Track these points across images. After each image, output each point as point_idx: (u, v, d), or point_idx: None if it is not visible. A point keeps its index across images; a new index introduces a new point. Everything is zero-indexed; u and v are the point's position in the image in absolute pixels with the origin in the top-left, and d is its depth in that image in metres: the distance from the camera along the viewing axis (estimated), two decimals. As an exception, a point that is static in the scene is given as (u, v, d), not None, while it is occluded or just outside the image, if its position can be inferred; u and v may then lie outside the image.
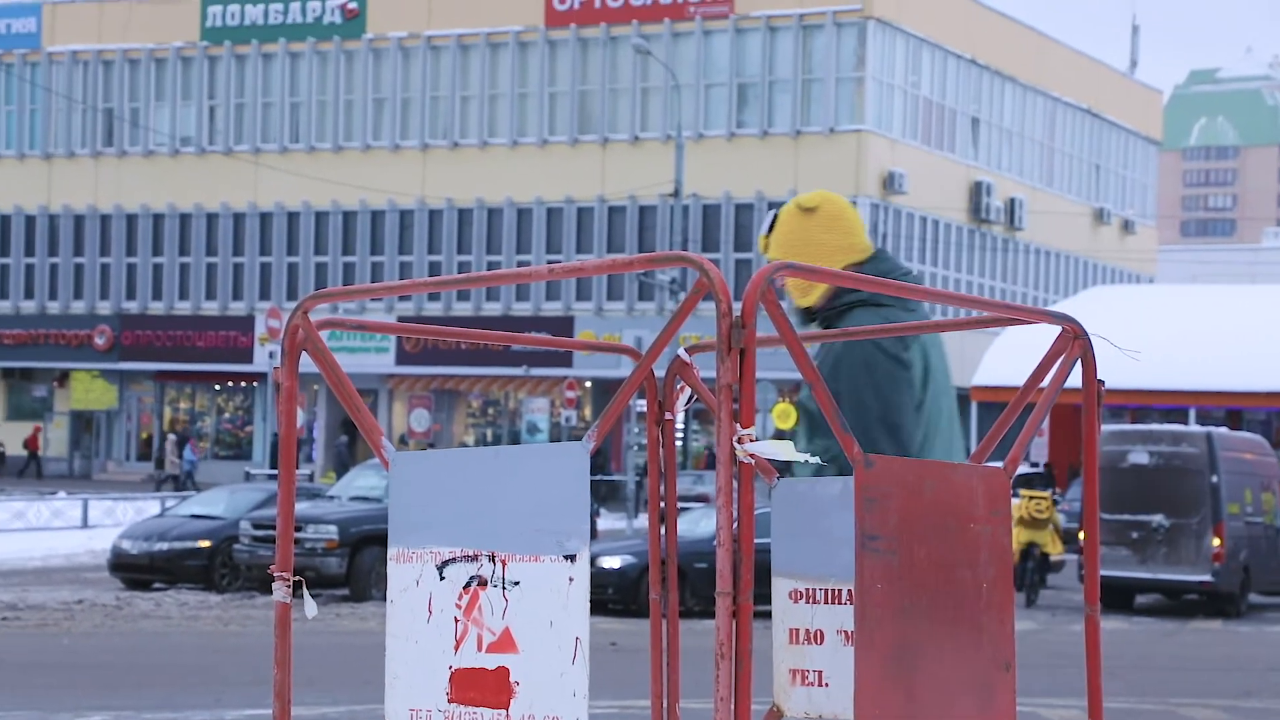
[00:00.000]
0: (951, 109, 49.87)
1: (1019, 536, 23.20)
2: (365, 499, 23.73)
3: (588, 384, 47.50)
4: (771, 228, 5.13)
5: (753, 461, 3.40)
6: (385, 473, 24.77)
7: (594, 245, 47.42)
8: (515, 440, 47.97)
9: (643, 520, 36.56)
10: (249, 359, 50.87)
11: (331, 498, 24.13)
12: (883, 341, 4.89)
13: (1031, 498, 24.53)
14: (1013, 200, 51.92)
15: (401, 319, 47.89)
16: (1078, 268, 56.47)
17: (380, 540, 20.64)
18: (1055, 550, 24.35)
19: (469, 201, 49.30)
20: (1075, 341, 3.74)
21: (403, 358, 49.62)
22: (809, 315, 5.08)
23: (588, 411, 47.37)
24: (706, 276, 3.37)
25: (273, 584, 4.08)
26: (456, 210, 49.53)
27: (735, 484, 3.48)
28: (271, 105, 51.74)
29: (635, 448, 45.06)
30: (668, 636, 4.56)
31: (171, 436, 49.68)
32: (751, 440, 3.37)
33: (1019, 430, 4.35)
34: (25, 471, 50.80)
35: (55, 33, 53.75)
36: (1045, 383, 4.06)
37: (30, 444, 52.18)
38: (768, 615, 4.30)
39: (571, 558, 3.50)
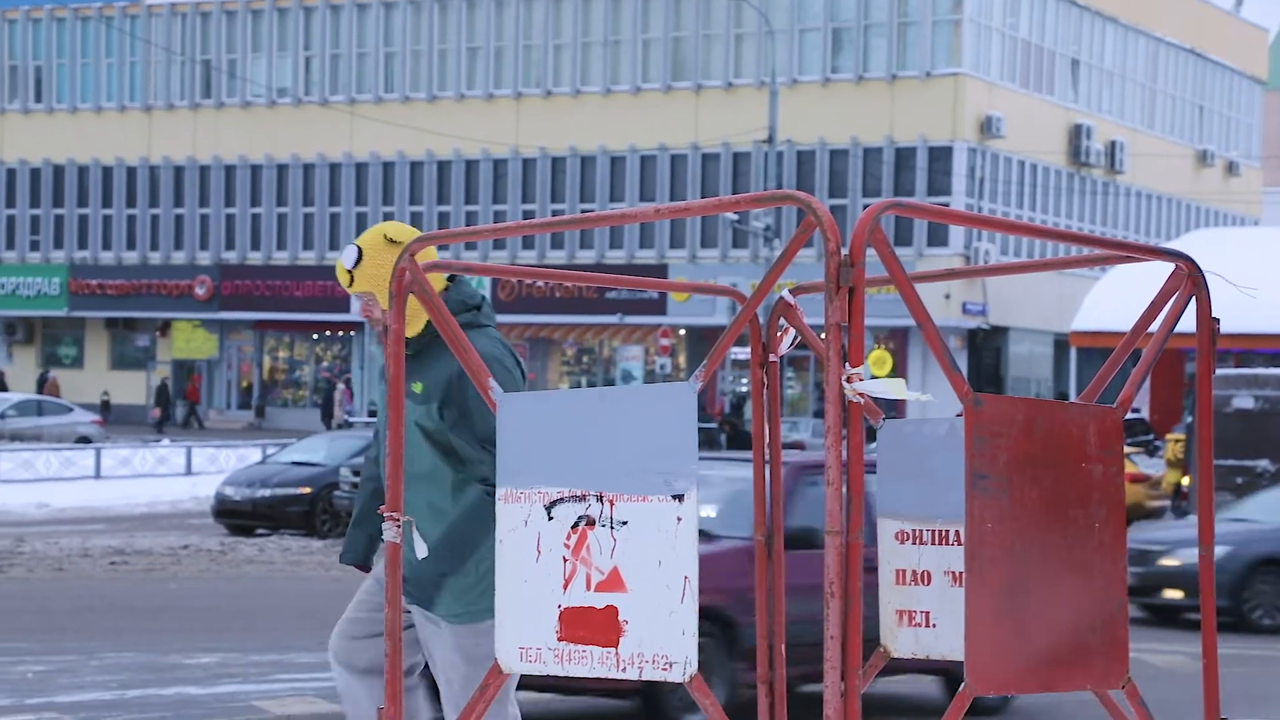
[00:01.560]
0: (1050, 51, 49.19)
1: (1169, 477, 23.16)
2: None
3: (682, 331, 47.48)
4: (358, 260, 5.15)
5: (862, 400, 3.38)
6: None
7: (687, 193, 47.30)
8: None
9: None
10: (345, 308, 51.27)
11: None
12: (511, 351, 5.27)
13: (1177, 440, 24.44)
14: (1113, 143, 51.21)
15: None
16: (1180, 211, 55.66)
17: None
18: None
19: (562, 150, 49.31)
20: (1189, 279, 3.69)
21: (497, 306, 49.81)
22: (409, 344, 5.08)
23: (682, 359, 47.37)
24: (815, 215, 3.35)
25: (383, 524, 4.13)
26: (550, 159, 49.57)
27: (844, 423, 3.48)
28: (366, 55, 51.96)
29: (729, 395, 45.04)
30: (772, 578, 4.56)
31: (340, 386, 49.74)
32: (860, 379, 3.36)
33: (1123, 375, 4.31)
34: (188, 423, 51.17)
35: (152, -15, 54.22)
36: (1154, 327, 4.01)
37: (189, 395, 52.47)
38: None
39: (680, 497, 3.50)
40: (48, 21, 55.52)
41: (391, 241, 5.13)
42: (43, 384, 52.36)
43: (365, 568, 5.43)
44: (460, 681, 5.09)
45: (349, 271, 5.10)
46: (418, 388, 5.13)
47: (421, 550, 4.42)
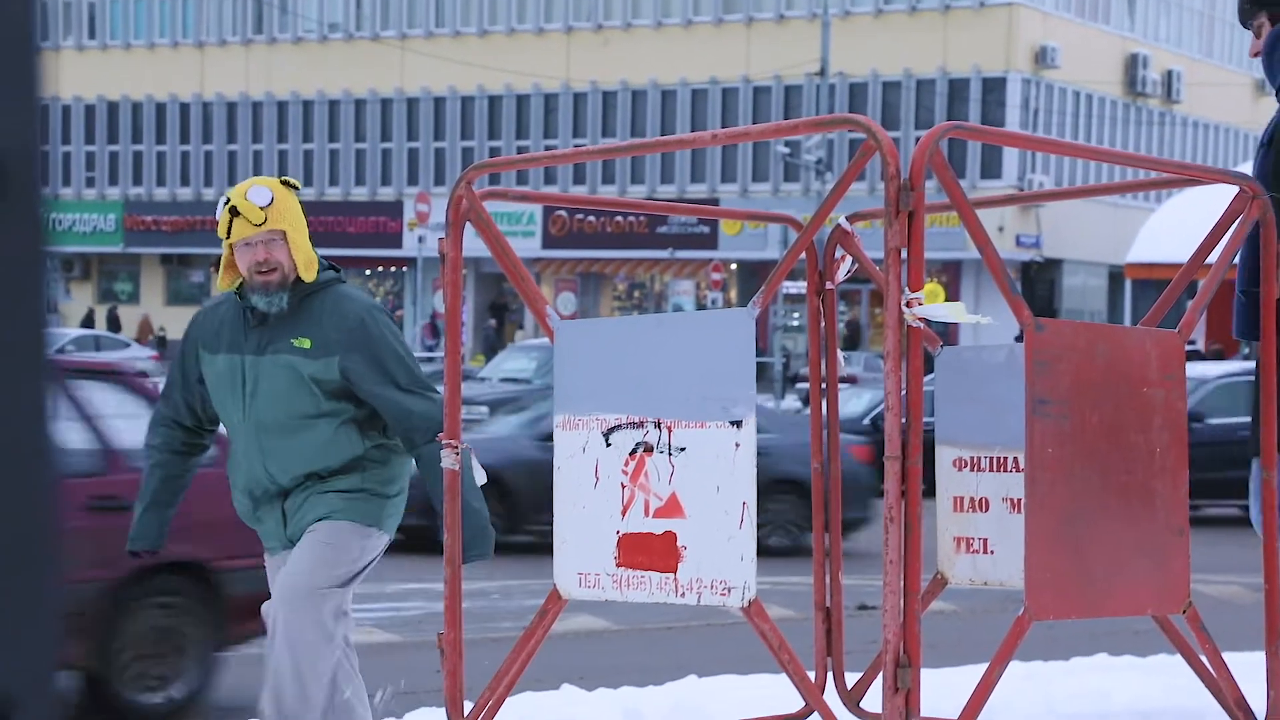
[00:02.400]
0: (1106, -20, 48.57)
1: None
2: (514, 380, 23.98)
3: (733, 266, 47.39)
4: (271, 199, 5.02)
5: (921, 325, 3.36)
6: (532, 355, 24.85)
7: (739, 126, 47.03)
8: (662, 322, 47.93)
9: (789, 401, 36.55)
10: (398, 244, 51.41)
11: (482, 379, 24.41)
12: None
13: None
14: (1170, 72, 50.60)
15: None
16: (1238, 140, 55.01)
17: (531, 420, 20.85)
18: None
19: (613, 84, 49.12)
20: (1254, 201, 3.64)
21: (549, 241, 49.84)
22: (285, 298, 5.00)
23: (733, 294, 47.29)
24: (875, 138, 3.33)
25: (442, 451, 4.15)
26: (601, 93, 49.39)
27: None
28: (417, -11, 51.82)
29: (782, 329, 44.97)
30: (829, 507, 4.56)
31: (492, 321, 48.99)
32: (920, 303, 3.34)
33: (1179, 309, 4.26)
34: None
35: (203, -79, 54.20)
36: (1215, 254, 3.96)
37: None
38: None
39: (738, 423, 3.50)
40: (100, -42, 55.66)
41: (288, 185, 5.10)
42: (112, 321, 52.55)
43: (155, 551, 5.29)
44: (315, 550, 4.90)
45: (263, 210, 4.94)
46: (305, 343, 4.96)
47: (481, 477, 4.44)
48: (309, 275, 5.02)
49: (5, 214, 0.58)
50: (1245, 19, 4.98)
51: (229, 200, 4.99)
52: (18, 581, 0.56)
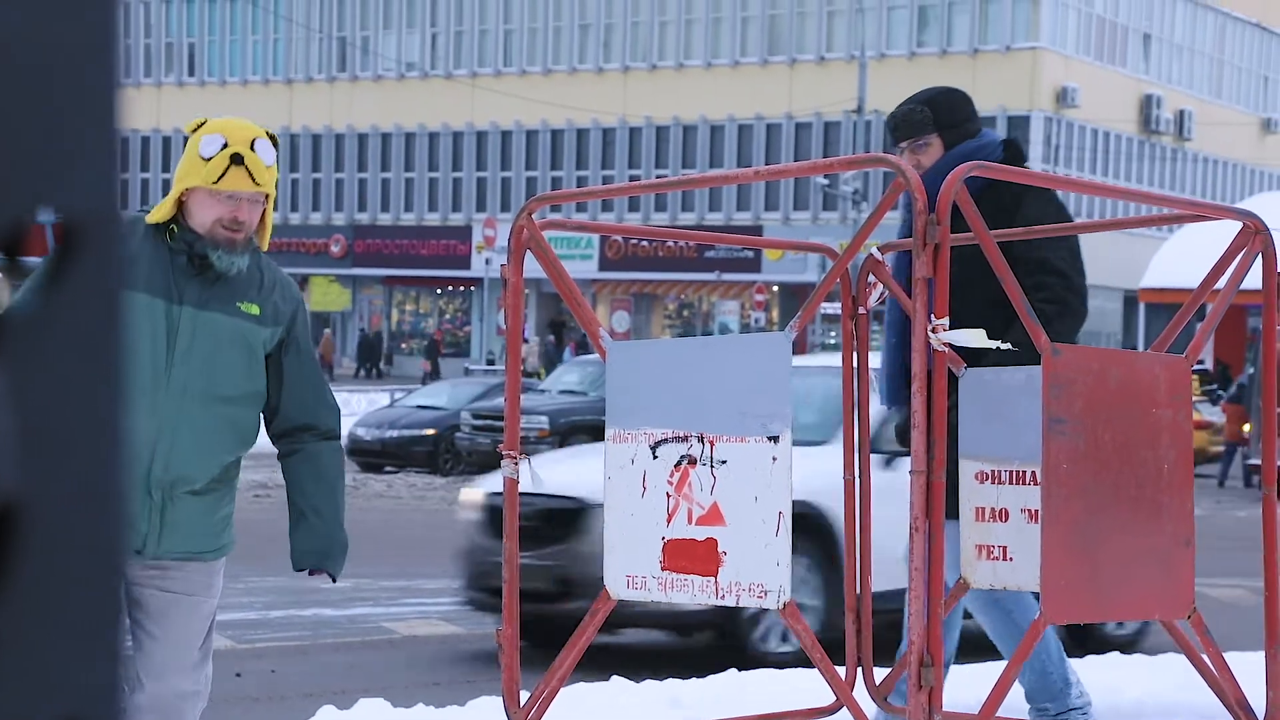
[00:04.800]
0: (1124, 25, 48.32)
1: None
2: (572, 392, 24.00)
3: (775, 288, 47.33)
4: (275, 162, 4.22)
5: (946, 350, 3.35)
6: (590, 369, 24.75)
7: (781, 159, 46.98)
8: (709, 339, 47.94)
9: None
10: (467, 265, 51.56)
11: (542, 391, 24.45)
12: None
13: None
14: (1182, 112, 50.25)
15: (605, 228, 47.99)
16: (1246, 176, 54.56)
17: (587, 430, 20.86)
18: None
19: (666, 119, 49.18)
20: (1256, 236, 3.62)
21: (605, 264, 49.89)
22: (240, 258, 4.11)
23: (775, 314, 47.21)
24: (904, 177, 3.32)
25: (502, 461, 4.15)
26: (655, 127, 49.46)
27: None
28: (487, 32, 52.06)
29: (819, 348, 44.81)
30: (860, 516, 4.54)
31: (551, 338, 48.55)
32: (945, 329, 3.32)
33: (1190, 329, 4.23)
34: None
35: (292, -31, 54.61)
36: (1221, 283, 3.93)
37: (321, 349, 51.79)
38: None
39: (775, 438, 3.49)
40: (201, 2, 56.13)
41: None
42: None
43: None
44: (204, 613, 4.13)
45: (267, 169, 4.12)
46: (254, 309, 4.10)
47: (539, 485, 4.42)
48: (266, 244, 4.19)
49: (80, 276, 0.57)
50: (913, 132, 4.49)
51: (228, 144, 4.06)
52: (87, 600, 0.56)
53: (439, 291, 54.18)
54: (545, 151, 50.88)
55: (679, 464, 3.70)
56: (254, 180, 4.06)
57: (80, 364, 0.55)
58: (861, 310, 4.42)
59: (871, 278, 4.41)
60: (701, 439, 3.66)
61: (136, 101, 55.04)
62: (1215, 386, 36.77)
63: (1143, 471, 3.48)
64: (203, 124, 4.16)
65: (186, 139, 4.20)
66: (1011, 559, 4.10)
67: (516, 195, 50.68)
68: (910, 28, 46.21)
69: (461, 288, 53.33)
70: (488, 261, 43.23)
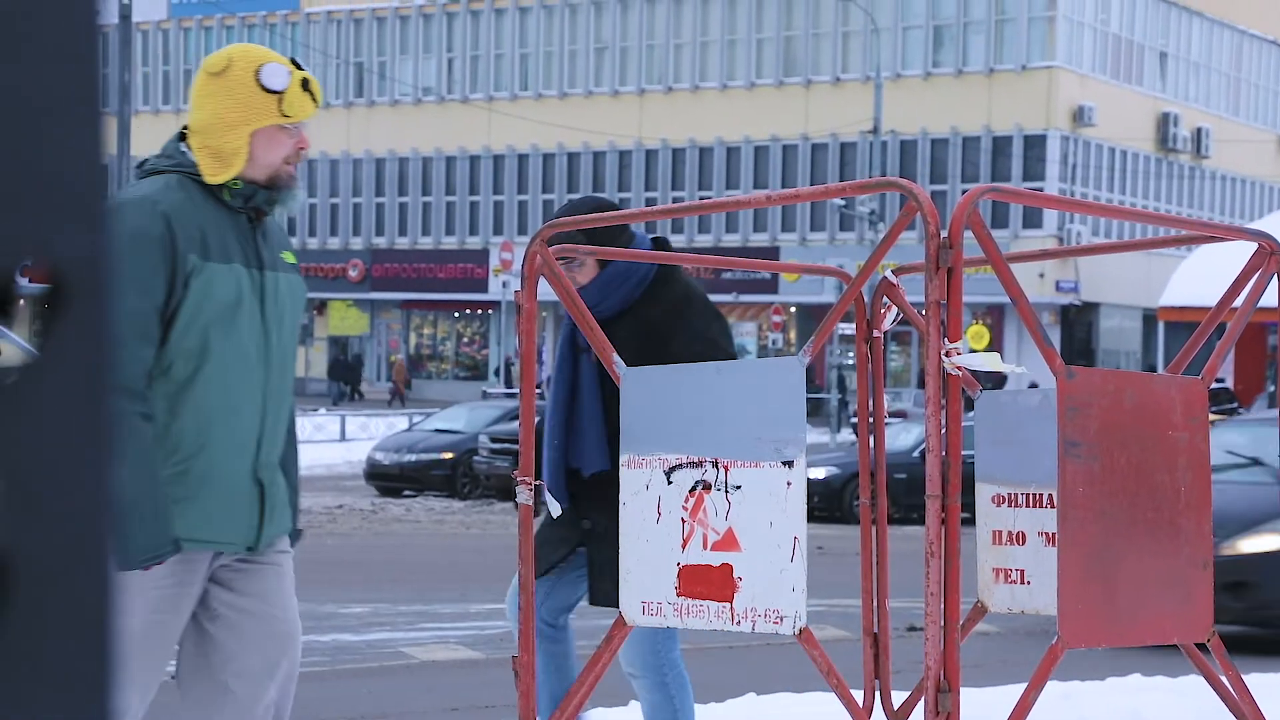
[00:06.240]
0: (1139, 44, 48.28)
1: None
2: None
3: (792, 309, 47.30)
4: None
5: (960, 374, 3.34)
6: (610, 390, 24.49)
7: (798, 180, 47.02)
8: (727, 361, 47.89)
9: (844, 434, 36.34)
10: (484, 289, 51.65)
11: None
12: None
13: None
14: (1199, 130, 50.17)
15: (622, 250, 47.96)
16: (1263, 193, 54.44)
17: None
18: None
19: (682, 141, 49.25)
20: (1271, 258, 3.61)
21: (623, 286, 49.86)
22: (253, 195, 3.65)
23: (793, 334, 47.18)
24: (915, 200, 3.32)
25: (516, 487, 4.14)
26: (671, 150, 49.53)
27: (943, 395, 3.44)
28: (503, 56, 52.22)
29: (836, 369, 44.78)
30: (876, 539, 4.53)
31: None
32: (959, 354, 3.32)
33: (1209, 347, 4.21)
34: (341, 397, 50.99)
35: (309, -5, 54.86)
36: (1238, 302, 3.92)
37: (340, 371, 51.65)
38: (965, 521, 4.22)
39: (789, 463, 3.49)
40: (217, 29, 56.37)
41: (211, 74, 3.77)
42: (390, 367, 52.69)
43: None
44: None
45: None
46: (291, 257, 3.75)
47: (555, 510, 4.40)
48: (227, 175, 3.66)
49: (69, 326, 0.57)
50: (568, 254, 4.36)
51: (292, 71, 3.68)
52: (75, 655, 0.56)
53: (456, 315, 54.26)
54: (562, 175, 50.97)
55: (693, 489, 3.70)
56: (317, 106, 3.71)
57: (68, 416, 0.55)
58: (876, 333, 4.41)
59: (886, 300, 4.41)
60: (716, 464, 3.65)
61: (154, 128, 55.26)
62: (1236, 405, 36.62)
63: (1159, 494, 3.46)
64: (227, 64, 3.66)
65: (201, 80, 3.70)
66: (1029, 582, 4.09)
67: (533, 218, 50.79)
68: (926, 48, 46.24)
69: (479, 310, 53.41)
70: (504, 285, 43.29)
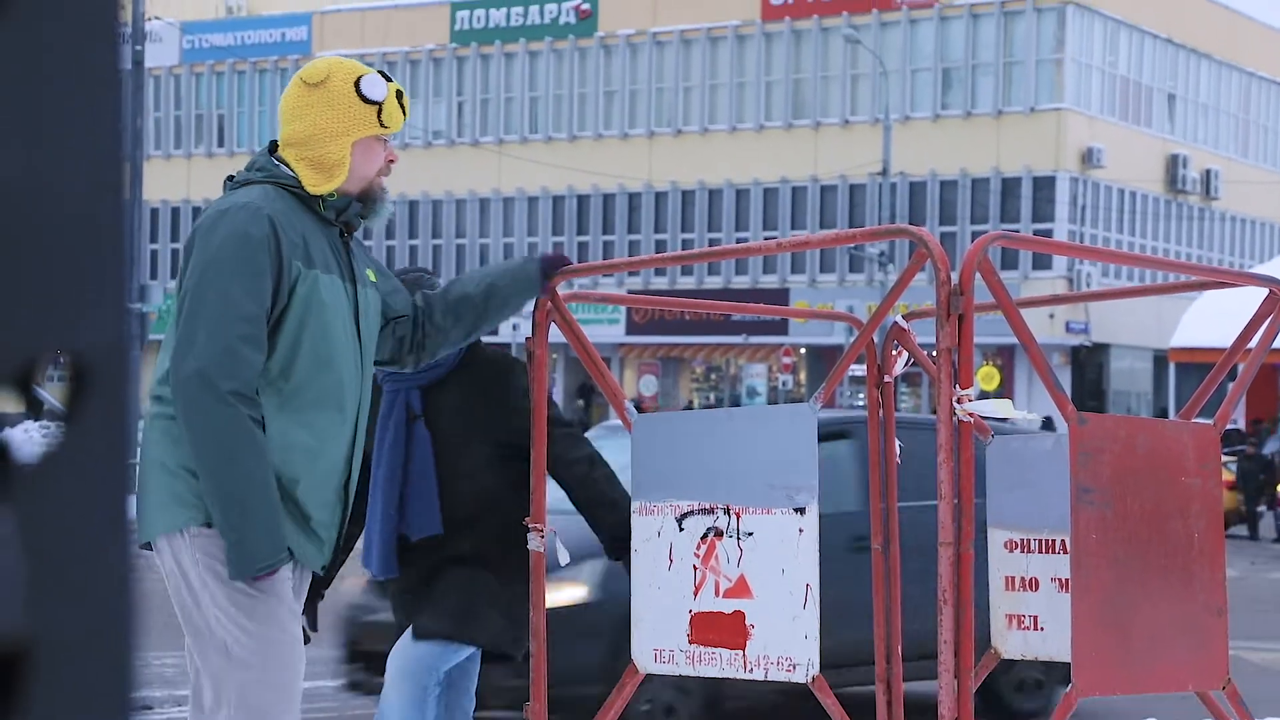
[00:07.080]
0: (1148, 86, 48.41)
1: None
2: (602, 457, 23.93)
3: (802, 350, 47.31)
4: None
5: (971, 420, 3.34)
6: (620, 434, 25.09)
7: (807, 222, 47.12)
8: (735, 403, 47.96)
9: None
10: (494, 331, 51.64)
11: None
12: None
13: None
14: (1208, 171, 50.23)
15: (630, 292, 48.13)
16: (1273, 234, 54.47)
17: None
18: None
19: (691, 184, 49.39)
20: (1282, 303, 3.61)
21: (632, 328, 49.98)
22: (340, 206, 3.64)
23: (803, 376, 47.18)
24: (926, 247, 3.32)
25: (528, 534, 4.14)
26: (680, 192, 49.67)
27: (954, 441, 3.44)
28: (513, 99, 52.46)
29: (849, 409, 44.73)
30: (889, 585, 4.52)
31: (579, 402, 49.29)
32: (970, 400, 3.32)
33: (1221, 388, 4.21)
34: None
35: (324, 39, 55.16)
36: (1251, 344, 3.92)
37: None
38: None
39: (801, 510, 3.48)
40: (229, 74, 56.74)
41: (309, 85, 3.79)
42: None
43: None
44: None
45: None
46: (373, 275, 3.72)
47: (565, 558, 4.40)
48: (329, 186, 3.68)
49: (89, 415, 0.57)
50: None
51: (387, 81, 3.68)
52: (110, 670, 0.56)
53: (467, 357, 54.30)
54: (572, 217, 51.12)
55: (705, 536, 3.69)
56: (405, 113, 3.74)
57: (87, 505, 0.55)
58: (887, 378, 4.42)
59: (896, 346, 4.41)
60: (728, 511, 3.65)
61: (166, 173, 55.51)
62: (1245, 446, 36.51)
63: (1173, 541, 3.45)
64: (326, 76, 3.63)
65: (294, 91, 3.70)
66: (1043, 628, 4.07)
67: (544, 261, 50.83)
68: (934, 90, 46.38)
69: (489, 353, 53.43)
70: (515, 328, 43.37)
